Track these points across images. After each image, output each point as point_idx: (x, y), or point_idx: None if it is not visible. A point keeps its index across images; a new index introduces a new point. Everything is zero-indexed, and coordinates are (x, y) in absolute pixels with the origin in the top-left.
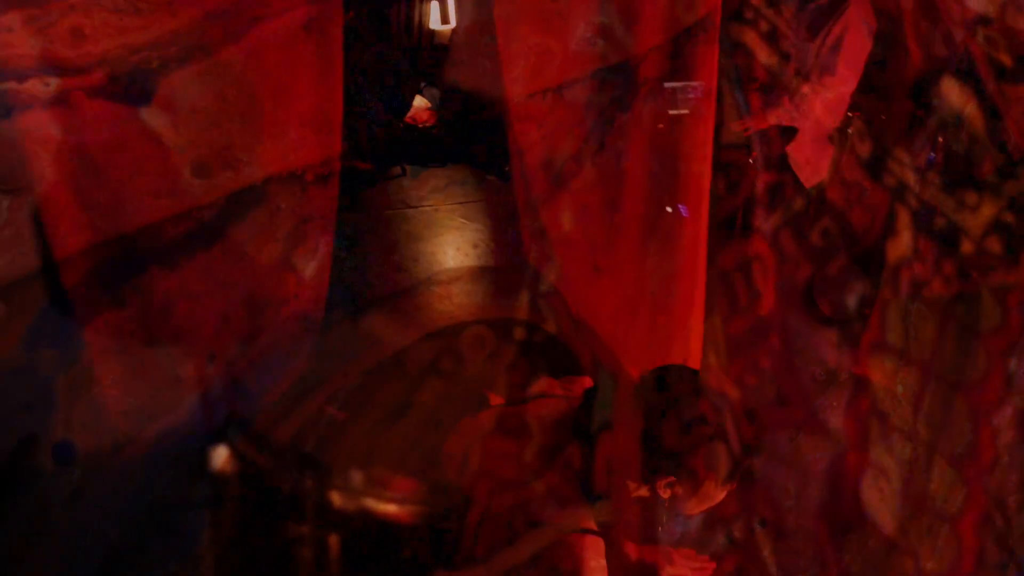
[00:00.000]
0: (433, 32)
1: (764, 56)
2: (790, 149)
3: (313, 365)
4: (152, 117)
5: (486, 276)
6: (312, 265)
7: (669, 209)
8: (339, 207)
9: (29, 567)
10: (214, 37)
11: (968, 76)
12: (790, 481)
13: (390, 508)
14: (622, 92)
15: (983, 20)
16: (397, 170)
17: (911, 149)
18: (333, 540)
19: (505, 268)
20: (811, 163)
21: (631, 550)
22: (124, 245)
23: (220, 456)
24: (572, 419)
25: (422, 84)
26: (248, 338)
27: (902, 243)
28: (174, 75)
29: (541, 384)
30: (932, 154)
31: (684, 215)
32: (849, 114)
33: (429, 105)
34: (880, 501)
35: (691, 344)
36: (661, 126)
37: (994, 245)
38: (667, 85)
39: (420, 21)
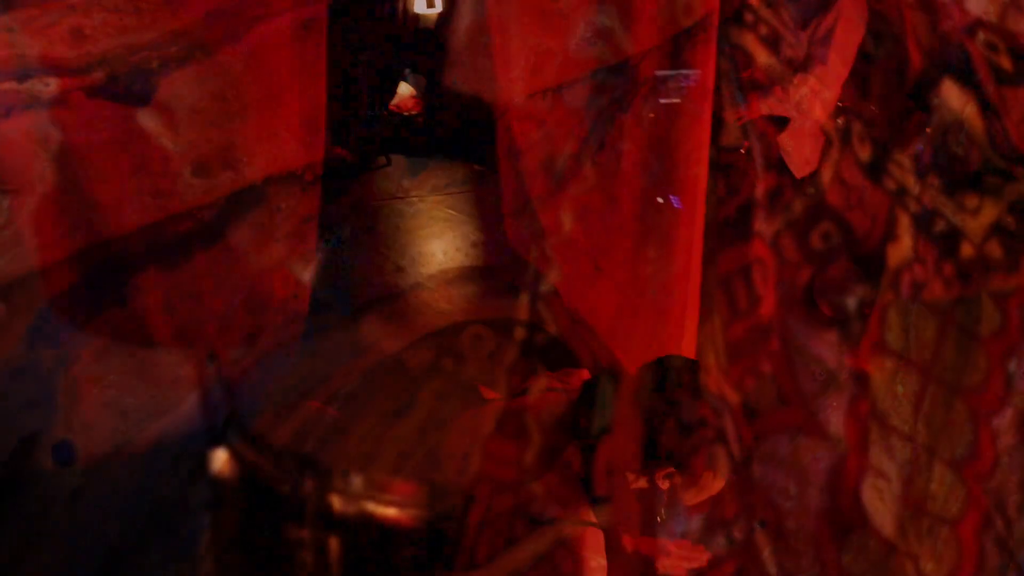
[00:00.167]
0: (418, 16)
1: (764, 59)
2: (781, 139)
3: (314, 365)
4: (152, 117)
5: (479, 275)
6: (312, 265)
7: (661, 200)
8: (323, 201)
9: (30, 567)
10: (214, 37)
11: (968, 79)
12: (790, 483)
13: (390, 511)
14: (622, 92)
15: (983, 23)
16: (382, 160)
17: (911, 152)
18: (333, 542)
19: (498, 266)
20: (802, 153)
21: (628, 542)
22: (124, 245)
23: (219, 458)
24: (570, 413)
25: (406, 71)
26: (248, 338)
27: (903, 246)
28: (174, 75)
29: (538, 378)
30: (921, 147)
31: (677, 207)
32: (840, 104)
33: (414, 93)
34: (880, 503)
35: (684, 347)
36: (659, 126)
37: (994, 248)
38: (660, 74)
39: (405, 6)
